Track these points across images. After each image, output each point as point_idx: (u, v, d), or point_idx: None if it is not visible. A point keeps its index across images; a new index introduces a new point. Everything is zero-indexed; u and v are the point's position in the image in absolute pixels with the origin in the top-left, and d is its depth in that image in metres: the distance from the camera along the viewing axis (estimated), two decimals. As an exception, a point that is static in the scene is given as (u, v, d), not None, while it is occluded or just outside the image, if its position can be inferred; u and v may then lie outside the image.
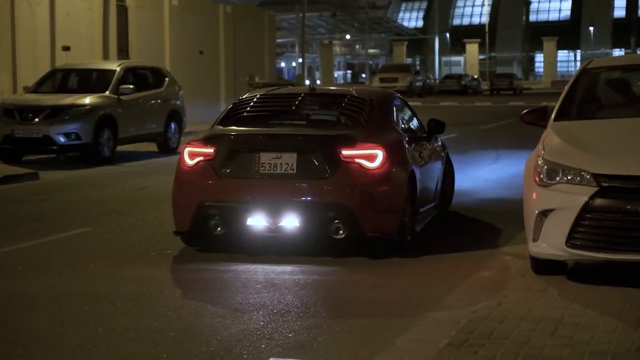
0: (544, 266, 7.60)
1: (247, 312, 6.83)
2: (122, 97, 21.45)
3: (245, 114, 9.84)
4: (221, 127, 9.44)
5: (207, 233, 8.92)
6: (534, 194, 7.52)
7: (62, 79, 22.81)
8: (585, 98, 10.28)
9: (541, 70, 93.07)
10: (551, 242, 7.26)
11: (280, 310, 6.85)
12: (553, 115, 9.45)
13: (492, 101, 48.53)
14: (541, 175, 7.98)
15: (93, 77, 22.87)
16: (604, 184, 7.84)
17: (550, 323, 6.04)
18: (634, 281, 7.72)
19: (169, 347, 5.92)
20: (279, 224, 8.63)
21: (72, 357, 5.84)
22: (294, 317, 6.60)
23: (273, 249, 9.15)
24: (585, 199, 7.79)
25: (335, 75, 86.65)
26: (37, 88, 22.14)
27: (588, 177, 7.97)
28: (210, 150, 8.80)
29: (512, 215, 9.75)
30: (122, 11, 33.61)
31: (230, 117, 9.81)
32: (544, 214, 7.31)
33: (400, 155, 9.10)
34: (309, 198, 8.68)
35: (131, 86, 21.74)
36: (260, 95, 10.45)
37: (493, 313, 6.23)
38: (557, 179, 8.09)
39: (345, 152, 8.61)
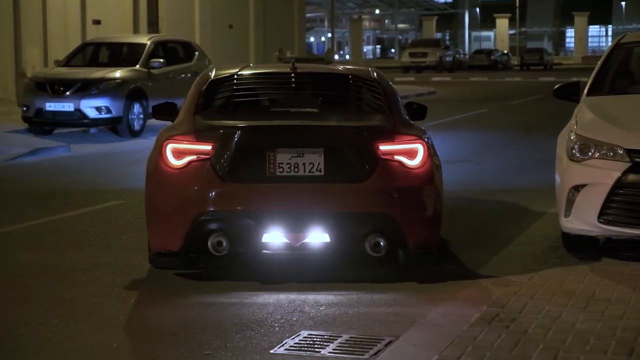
0: (575, 242, 7.56)
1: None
2: (153, 71, 21.51)
3: (229, 99, 8.05)
4: (206, 117, 7.49)
5: (204, 254, 7.09)
6: (567, 170, 7.49)
7: (92, 53, 22.89)
8: (619, 73, 10.11)
9: (572, 45, 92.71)
10: (583, 218, 7.23)
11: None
12: (586, 90, 9.39)
13: (522, 76, 48.41)
14: (574, 151, 7.93)
15: (123, 51, 22.93)
16: (637, 160, 7.75)
17: (582, 298, 6.05)
18: None
19: (200, 318, 6.00)
20: (304, 241, 6.94)
21: (106, 327, 5.93)
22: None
23: (295, 272, 7.31)
24: (618, 174, 7.73)
25: (364, 50, 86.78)
26: (68, 62, 22.27)
27: (621, 152, 7.92)
28: (208, 147, 7.01)
29: (543, 191, 9.79)
30: None
31: (211, 102, 7.93)
32: (577, 189, 7.29)
33: (434, 150, 7.44)
34: (342, 207, 6.94)
35: (161, 60, 21.86)
36: (238, 75, 8.30)
37: (524, 288, 6.26)
38: (590, 154, 8.03)
39: (383, 147, 6.98)
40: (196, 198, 6.95)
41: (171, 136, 7.18)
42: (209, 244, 6.87)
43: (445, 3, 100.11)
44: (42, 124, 20.52)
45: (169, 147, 7.07)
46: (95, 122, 20.56)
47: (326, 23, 77.58)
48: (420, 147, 7.05)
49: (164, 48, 23.20)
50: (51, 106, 20.09)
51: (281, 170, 6.98)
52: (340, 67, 9.25)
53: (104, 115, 20.37)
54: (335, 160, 7.00)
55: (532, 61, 64.75)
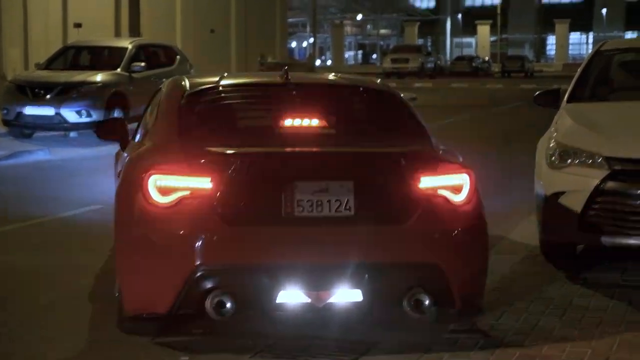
0: (554, 250, 7.64)
1: None
2: (134, 75, 21.52)
3: (218, 117, 6.68)
4: (199, 141, 5.95)
5: (200, 316, 5.65)
6: (546, 177, 7.52)
7: (73, 56, 23.03)
8: (599, 80, 10.17)
9: (553, 52, 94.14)
10: (562, 225, 7.28)
11: None
12: (566, 97, 9.41)
13: (503, 83, 49.25)
14: (553, 158, 7.95)
15: (105, 55, 23.11)
16: (616, 167, 7.79)
17: (560, 306, 6.12)
18: None
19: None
20: (329, 300, 5.58)
21: (84, 330, 5.93)
22: None
23: (319, 340, 5.77)
24: (597, 182, 7.73)
25: (346, 55, 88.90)
26: (49, 65, 22.38)
27: (600, 160, 7.90)
28: (204, 179, 5.52)
29: (522, 198, 9.98)
30: None
31: (195, 121, 6.46)
32: (556, 196, 7.32)
33: (477, 181, 6.04)
34: (378, 256, 5.61)
35: (143, 64, 21.88)
36: (222, 86, 6.91)
37: (503, 295, 6.27)
38: (569, 161, 8.02)
39: (425, 178, 5.65)
40: (190, 247, 5.47)
41: (155, 165, 5.62)
42: (207, 305, 5.40)
43: (428, 9, 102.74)
44: (22, 127, 20.57)
45: (153, 180, 5.52)
46: (75, 126, 20.53)
47: (308, 28, 79.23)
48: (466, 178, 5.76)
49: (145, 52, 23.21)
50: (31, 110, 20.22)
51: (301, 209, 5.56)
52: (335, 76, 8.11)
53: (84, 119, 20.33)
54: (368, 196, 5.62)
55: (513, 68, 65.79)
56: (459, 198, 5.66)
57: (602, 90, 10.04)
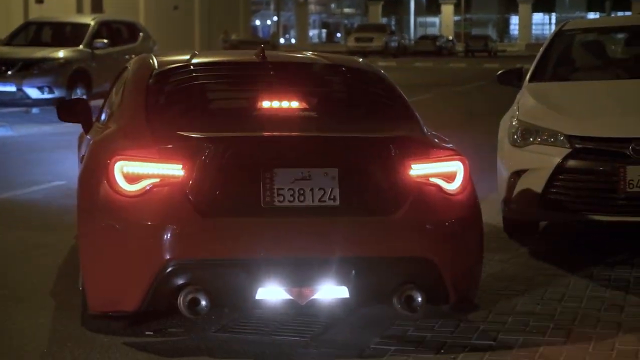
0: (516, 227, 7.75)
1: None
2: (96, 52, 21.69)
3: (189, 99, 6.19)
4: (167, 124, 5.54)
5: (172, 312, 5.38)
6: (508, 155, 7.63)
7: (35, 32, 23.31)
8: (560, 60, 10.23)
9: (516, 32, 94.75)
10: (524, 203, 7.38)
11: None
12: (528, 77, 9.43)
13: (466, 63, 49.79)
14: (515, 136, 8.01)
15: (67, 31, 23.02)
16: (577, 145, 7.84)
17: (522, 282, 6.20)
18: (604, 241, 7.95)
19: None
20: (312, 297, 5.19)
21: (46, 308, 5.86)
22: None
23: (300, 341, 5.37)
24: (559, 160, 7.79)
25: (310, 34, 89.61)
26: (10, 41, 22.68)
27: (562, 138, 7.97)
28: (177, 166, 5.12)
29: (484, 176, 10.16)
30: None
31: (164, 103, 6.02)
32: (518, 174, 7.41)
33: (469, 169, 5.69)
34: (365, 250, 5.21)
35: (105, 40, 21.96)
36: (194, 65, 6.42)
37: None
38: (531, 140, 8.08)
39: (417, 165, 5.26)
40: (160, 239, 5.06)
41: (120, 149, 5.22)
42: (179, 302, 4.99)
43: None
44: None
45: (119, 166, 5.13)
46: (37, 102, 20.70)
47: (272, 6, 79.66)
48: (460, 165, 5.37)
49: (108, 28, 23.28)
50: None
51: (281, 198, 5.14)
52: (315, 55, 7.35)
53: (46, 96, 20.51)
54: (354, 184, 5.21)
55: (477, 48, 66.43)
56: (452, 187, 5.27)
57: (563, 70, 10.09)
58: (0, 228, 9.09)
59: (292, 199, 5.02)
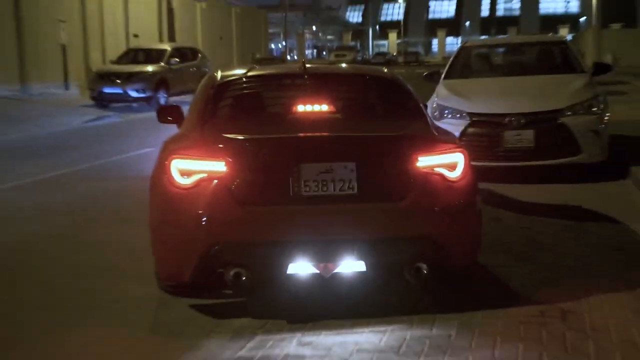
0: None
1: None
2: (172, 67, 26.35)
3: (240, 105, 6.58)
4: (217, 127, 5.79)
5: (219, 285, 5.54)
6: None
7: (134, 55, 27.82)
8: (463, 65, 12.35)
9: (436, 49, 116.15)
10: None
11: None
12: (442, 76, 11.45)
13: (405, 69, 53.90)
14: (435, 113, 9.55)
15: (153, 54, 27.47)
16: (474, 119, 9.71)
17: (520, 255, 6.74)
18: (494, 178, 9.44)
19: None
20: (335, 271, 5.43)
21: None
22: None
23: (327, 308, 5.60)
24: (462, 128, 9.61)
25: (306, 52, 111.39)
26: (118, 61, 27.30)
27: (464, 114, 9.86)
28: (219, 163, 5.33)
29: None
30: (170, 11, 40.94)
31: (220, 109, 6.34)
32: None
33: (469, 158, 5.81)
34: (380, 232, 5.43)
35: (177, 59, 26.81)
36: (247, 77, 6.77)
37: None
38: (445, 115, 10.00)
39: (423, 158, 5.48)
40: (208, 225, 5.26)
41: (176, 149, 5.50)
42: (225, 277, 5.29)
43: (357, 23, 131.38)
44: (102, 101, 25.11)
45: (174, 163, 5.37)
46: (135, 100, 25.14)
47: (281, 36, 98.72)
48: (461, 157, 5.58)
49: (178, 52, 28.19)
50: (108, 89, 25.14)
51: (307, 189, 5.33)
52: (346, 66, 8.12)
53: (140, 95, 25.20)
54: (370, 176, 5.39)
55: (411, 60, 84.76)
56: (454, 175, 5.46)
57: (465, 72, 12.11)
58: (111, 179, 11.20)
59: (316, 189, 5.25)
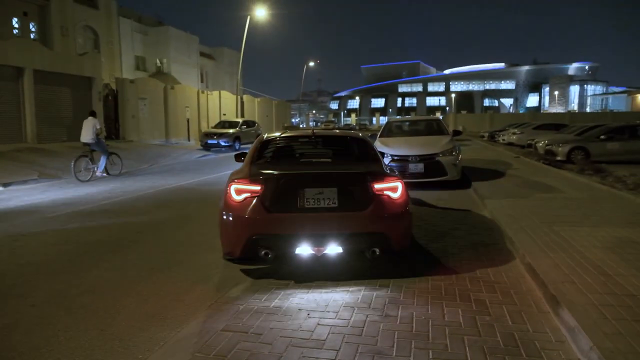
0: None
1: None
2: (242, 130, 39.29)
3: (273, 153, 9.04)
4: (258, 167, 8.27)
5: (257, 259, 7.79)
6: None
7: (223, 124, 41.36)
8: (388, 130, 18.90)
9: (375, 122, 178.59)
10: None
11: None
12: (378, 135, 17.86)
13: (359, 132, 61.26)
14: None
15: (233, 123, 40.30)
16: (394, 157, 14.63)
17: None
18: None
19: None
20: (324, 252, 7.65)
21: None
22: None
23: (320, 272, 8.19)
24: (388, 162, 14.28)
25: (310, 123, 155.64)
26: (215, 127, 41.09)
27: (388, 155, 14.62)
28: (257, 187, 7.69)
29: None
30: (242, 103, 61.21)
31: (262, 155, 8.87)
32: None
33: (405, 185, 8.03)
34: (351, 229, 7.59)
35: (245, 126, 39.78)
36: (279, 137, 9.44)
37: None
38: (384, 157, 14.09)
39: (377, 185, 7.71)
40: (250, 224, 7.56)
41: (235, 179, 7.84)
42: (259, 254, 7.58)
43: (335, 109, 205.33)
44: (207, 147, 37.14)
45: (233, 187, 7.72)
46: (224, 146, 37.03)
47: (297, 115, 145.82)
48: (399, 185, 7.83)
49: (245, 122, 41.11)
50: (210, 141, 37.53)
51: (308, 203, 7.58)
52: (338, 131, 10.32)
53: (228, 144, 37.29)
54: (345, 195, 7.65)
55: (362, 127, 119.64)
56: (396, 195, 7.77)
57: (389, 133, 18.43)
58: (210, 184, 15.52)
59: (314, 203, 7.58)
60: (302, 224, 7.70)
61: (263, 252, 7.74)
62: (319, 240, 7.70)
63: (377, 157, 9.13)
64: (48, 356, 6.22)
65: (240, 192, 7.89)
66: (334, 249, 7.78)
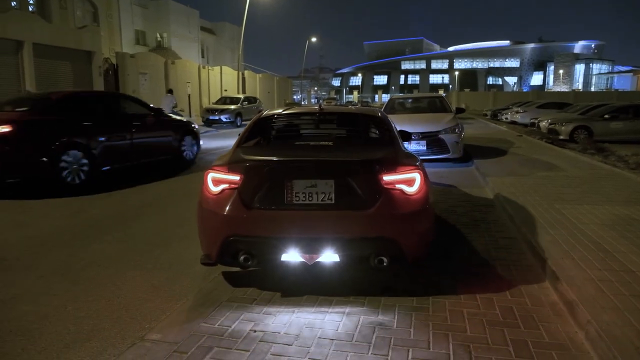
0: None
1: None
2: (243, 106, 39.52)
3: (266, 134, 7.72)
4: (242, 151, 6.93)
5: (236, 265, 6.59)
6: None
7: (224, 100, 41.52)
8: (391, 107, 18.65)
9: (377, 100, 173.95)
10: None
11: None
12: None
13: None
14: None
15: (234, 99, 40.64)
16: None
17: None
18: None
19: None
20: (317, 260, 6.33)
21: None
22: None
23: (310, 286, 6.87)
24: None
25: (312, 101, 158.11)
26: (216, 103, 41.35)
27: None
28: (236, 177, 6.43)
29: None
30: (243, 79, 59.03)
31: (252, 138, 7.57)
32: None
33: (427, 176, 6.67)
34: (351, 233, 6.22)
35: (246, 102, 39.82)
36: (278, 114, 8.07)
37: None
38: None
39: (386, 177, 6.33)
40: (226, 222, 6.30)
41: (213, 166, 6.59)
42: (238, 259, 6.38)
43: (337, 86, 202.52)
44: (208, 123, 36.99)
45: (210, 176, 6.52)
46: (225, 123, 37.01)
47: (299, 92, 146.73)
48: (417, 176, 6.40)
49: (246, 98, 41.22)
50: (211, 117, 37.62)
51: (297, 198, 6.26)
52: (352, 107, 9.01)
53: (228, 120, 37.51)
54: (344, 189, 6.25)
55: (364, 105, 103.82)
56: (412, 189, 6.32)
57: (391, 110, 17.53)
58: (214, 155, 15.72)
59: (304, 199, 6.27)
60: (289, 224, 6.36)
61: (242, 257, 6.49)
62: (310, 246, 6.35)
63: (394, 140, 7.57)
64: (57, 324, 6.29)
65: (218, 182, 6.66)
66: (329, 257, 6.44)
